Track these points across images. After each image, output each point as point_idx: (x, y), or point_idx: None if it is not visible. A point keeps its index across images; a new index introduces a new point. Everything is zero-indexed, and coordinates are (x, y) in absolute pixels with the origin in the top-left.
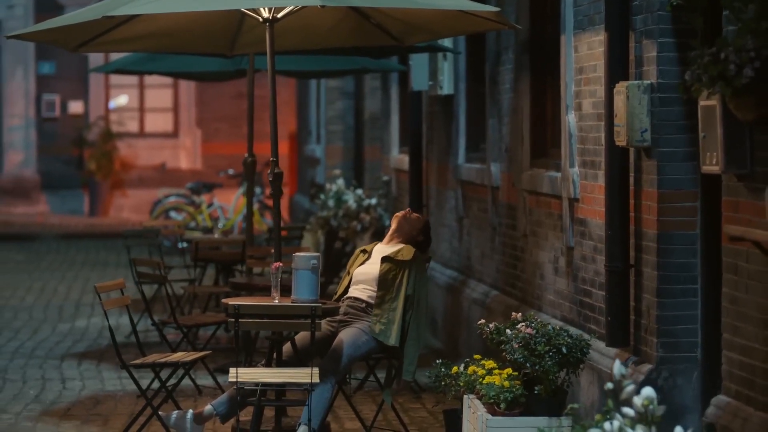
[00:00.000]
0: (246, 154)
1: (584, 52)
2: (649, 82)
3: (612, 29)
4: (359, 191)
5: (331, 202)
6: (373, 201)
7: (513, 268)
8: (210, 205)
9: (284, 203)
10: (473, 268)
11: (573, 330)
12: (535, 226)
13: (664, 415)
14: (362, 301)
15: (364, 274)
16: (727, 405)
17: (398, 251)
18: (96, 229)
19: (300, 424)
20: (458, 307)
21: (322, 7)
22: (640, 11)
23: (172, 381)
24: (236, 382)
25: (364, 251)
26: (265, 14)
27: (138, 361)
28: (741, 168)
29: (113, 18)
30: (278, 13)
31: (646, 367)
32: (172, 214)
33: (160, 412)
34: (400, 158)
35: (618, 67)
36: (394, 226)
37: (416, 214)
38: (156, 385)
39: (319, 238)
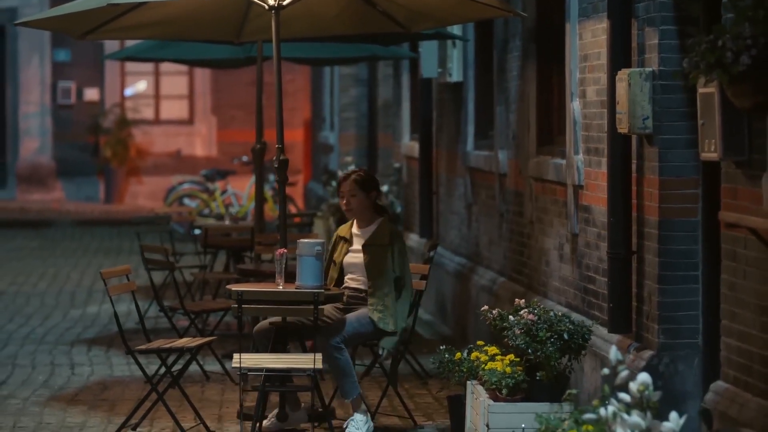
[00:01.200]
0: (255, 142)
1: (588, 40)
2: (650, 69)
3: (614, 17)
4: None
5: None
6: (385, 188)
7: (520, 255)
8: (224, 192)
9: (299, 190)
10: (481, 255)
11: (576, 316)
12: (541, 213)
13: (663, 401)
14: (361, 290)
15: (353, 265)
16: (725, 391)
17: (375, 235)
18: (111, 215)
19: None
20: (467, 293)
21: None
22: None
23: (180, 367)
24: (239, 367)
25: (344, 239)
26: (271, 1)
27: (143, 347)
28: (739, 155)
29: (118, 5)
30: (284, 0)
31: (648, 353)
32: (186, 201)
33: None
34: (410, 145)
35: (620, 55)
36: (354, 218)
37: (347, 184)
38: (175, 370)
39: (331, 225)
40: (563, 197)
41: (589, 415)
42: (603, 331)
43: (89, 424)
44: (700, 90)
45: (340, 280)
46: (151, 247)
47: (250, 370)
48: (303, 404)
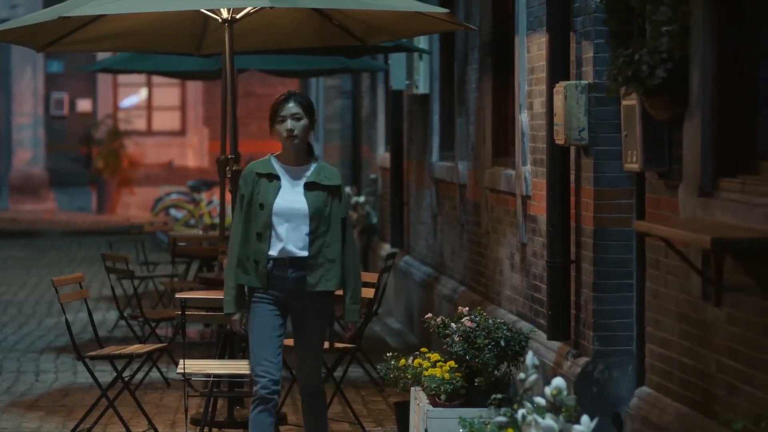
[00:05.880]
0: (221, 153)
1: (535, 53)
2: (586, 82)
3: (553, 30)
4: (347, 189)
5: None
6: (362, 199)
7: (477, 265)
8: (210, 202)
9: None
10: (445, 265)
11: (524, 324)
12: (496, 223)
13: (598, 406)
14: (302, 257)
15: (291, 212)
16: (648, 396)
17: (319, 173)
18: (102, 226)
19: None
20: (431, 302)
21: (271, 8)
22: (580, 13)
23: (139, 373)
24: (183, 373)
25: (266, 175)
26: (225, 15)
27: (93, 353)
28: (660, 166)
29: (70, 19)
30: (237, 14)
31: (584, 360)
32: (172, 211)
33: None
34: (384, 156)
35: (558, 68)
36: (296, 151)
37: (292, 105)
38: (136, 377)
39: None
40: (514, 207)
41: (499, 418)
42: (544, 338)
43: (44, 429)
44: (623, 102)
45: (261, 237)
46: (113, 256)
47: (194, 375)
48: None
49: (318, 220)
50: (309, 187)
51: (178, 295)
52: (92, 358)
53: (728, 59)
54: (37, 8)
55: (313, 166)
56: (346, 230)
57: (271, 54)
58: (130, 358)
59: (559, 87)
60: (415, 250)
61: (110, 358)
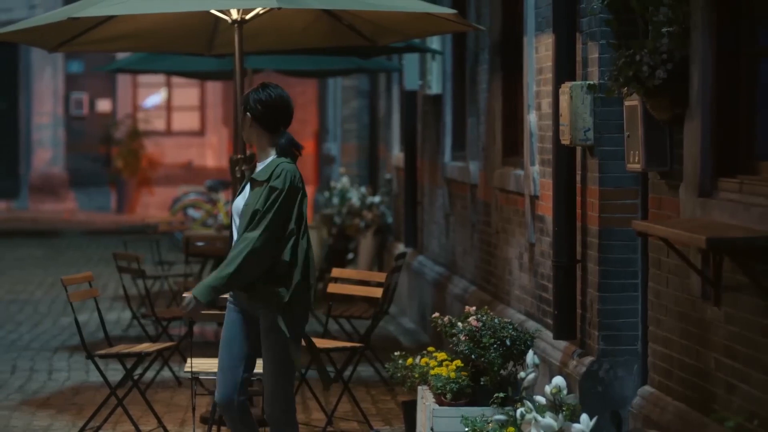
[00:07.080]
0: (234, 152)
1: (543, 53)
2: (591, 82)
3: (559, 31)
4: (363, 189)
5: (335, 200)
6: (377, 199)
7: (488, 264)
8: (227, 202)
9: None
10: (457, 264)
11: (531, 324)
12: (505, 223)
13: (602, 405)
14: None
15: (235, 209)
16: (650, 395)
17: (262, 171)
18: (121, 225)
19: None
20: (443, 302)
21: (279, 9)
22: (586, 14)
23: (150, 372)
24: (191, 372)
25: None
26: (235, 15)
27: (103, 351)
28: (662, 166)
29: (80, 19)
30: (246, 14)
31: (589, 359)
32: (190, 211)
33: None
34: (399, 156)
35: (564, 68)
36: (246, 138)
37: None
38: (144, 375)
39: (323, 236)
40: (523, 207)
41: (499, 416)
42: (551, 337)
43: (54, 427)
44: (626, 103)
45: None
46: (125, 255)
47: (202, 374)
48: None
49: (250, 218)
50: (251, 184)
51: (185, 294)
52: (101, 356)
53: (728, 60)
54: (56, 8)
55: (265, 162)
56: (253, 220)
57: (284, 54)
58: (139, 356)
59: (565, 87)
60: (428, 250)
61: (119, 357)
